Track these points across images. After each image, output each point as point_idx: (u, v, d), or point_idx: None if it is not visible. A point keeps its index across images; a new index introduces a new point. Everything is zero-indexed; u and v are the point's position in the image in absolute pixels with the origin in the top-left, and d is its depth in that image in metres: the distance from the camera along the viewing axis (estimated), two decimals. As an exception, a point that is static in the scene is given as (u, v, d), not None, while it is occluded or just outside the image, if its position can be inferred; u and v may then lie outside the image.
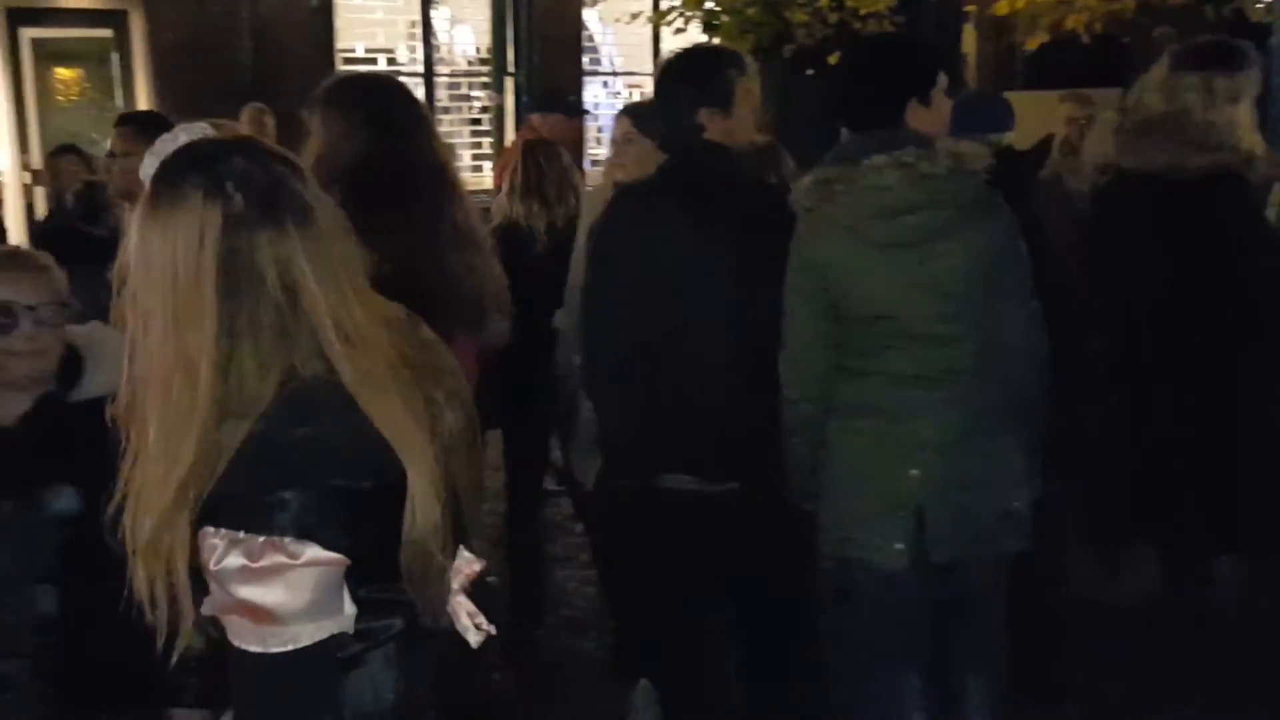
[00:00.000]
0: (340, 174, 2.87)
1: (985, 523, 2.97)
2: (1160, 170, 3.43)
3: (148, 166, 1.66)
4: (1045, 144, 4.30)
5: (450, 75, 12.54)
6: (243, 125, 7.09)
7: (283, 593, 1.58)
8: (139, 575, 1.63)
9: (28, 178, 10.63)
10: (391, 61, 12.19)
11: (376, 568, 1.66)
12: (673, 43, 11.82)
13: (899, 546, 2.94)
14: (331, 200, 1.71)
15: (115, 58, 11.71)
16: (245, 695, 1.65)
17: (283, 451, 1.59)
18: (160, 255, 1.60)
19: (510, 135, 10.12)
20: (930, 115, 3.02)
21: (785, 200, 3.15)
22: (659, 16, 12.61)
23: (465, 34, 12.59)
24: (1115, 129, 3.66)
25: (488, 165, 10.72)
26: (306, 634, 1.60)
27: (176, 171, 1.63)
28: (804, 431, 3.05)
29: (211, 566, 1.59)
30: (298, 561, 1.57)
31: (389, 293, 1.79)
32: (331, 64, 11.21)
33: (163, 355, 1.60)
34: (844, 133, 3.13)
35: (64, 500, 2.35)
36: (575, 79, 12.55)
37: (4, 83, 10.93)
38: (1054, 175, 4.51)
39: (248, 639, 1.60)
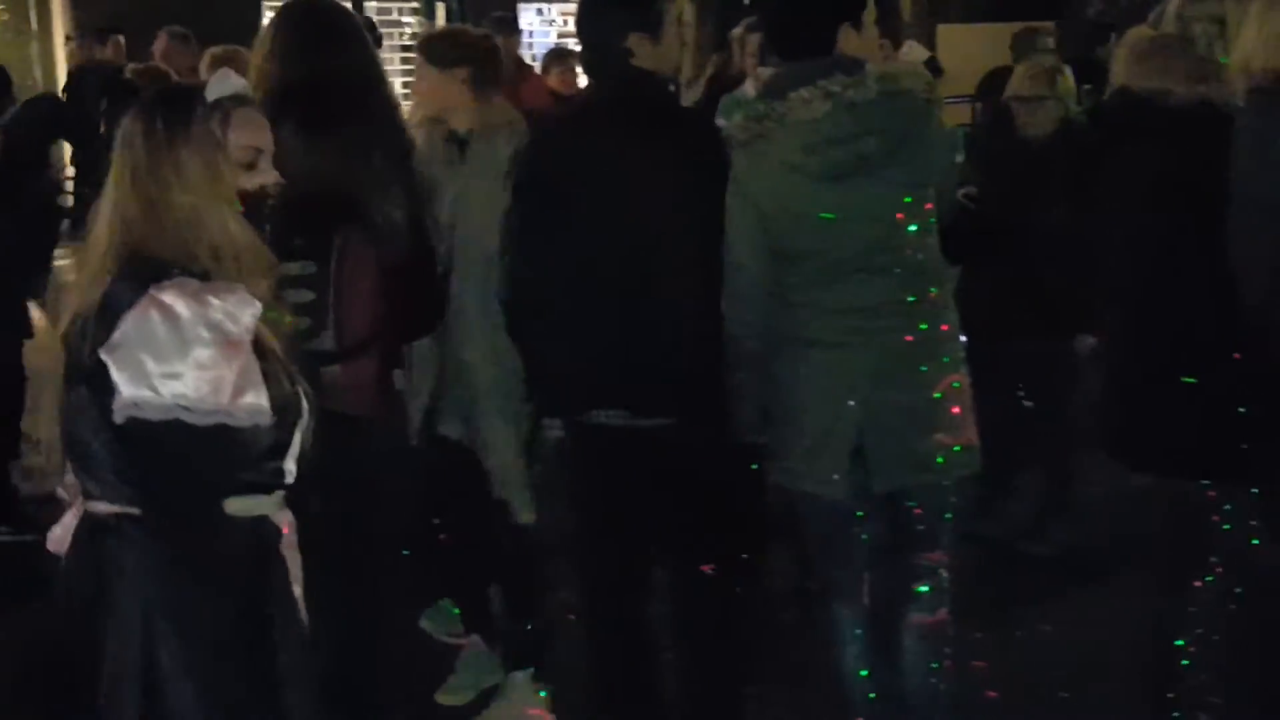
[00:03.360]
0: (270, 95, 2.92)
1: (926, 451, 2.93)
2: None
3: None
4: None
5: (380, 1, 12.23)
6: (159, 48, 6.88)
7: None
8: None
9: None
10: (321, -14, 11.85)
11: None
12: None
13: (837, 477, 2.93)
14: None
15: (30, -19, 11.38)
16: None
17: None
18: None
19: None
20: (863, 40, 2.95)
21: (719, 132, 3.05)
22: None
23: (395, -43, 12.28)
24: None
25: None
26: None
27: None
28: (748, 365, 3.01)
29: None
30: None
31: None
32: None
33: None
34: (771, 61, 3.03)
35: None
36: (509, 5, 12.28)
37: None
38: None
39: None
